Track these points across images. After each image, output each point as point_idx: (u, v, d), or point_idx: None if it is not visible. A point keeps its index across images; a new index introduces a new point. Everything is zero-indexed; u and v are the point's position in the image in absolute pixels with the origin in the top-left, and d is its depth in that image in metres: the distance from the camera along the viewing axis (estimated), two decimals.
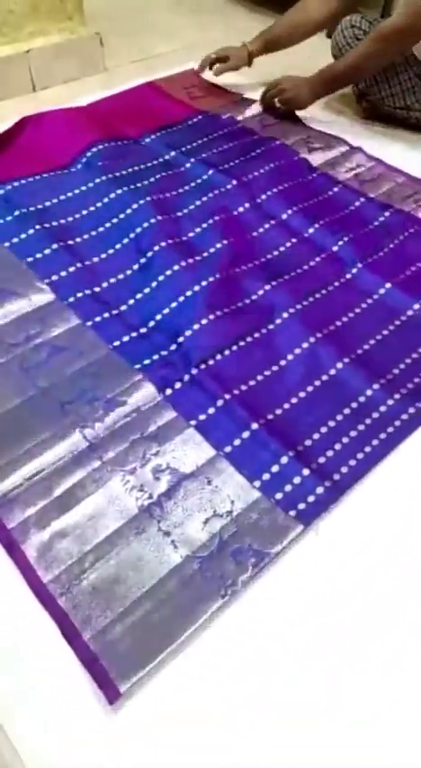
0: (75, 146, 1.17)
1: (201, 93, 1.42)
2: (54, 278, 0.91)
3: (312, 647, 0.57)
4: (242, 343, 0.83)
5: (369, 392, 0.77)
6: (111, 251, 0.97)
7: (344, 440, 0.73)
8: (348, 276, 0.95)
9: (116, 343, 0.82)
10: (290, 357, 0.82)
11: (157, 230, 0.98)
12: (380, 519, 0.67)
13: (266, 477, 0.68)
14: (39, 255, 0.94)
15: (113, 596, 0.59)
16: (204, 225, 1.01)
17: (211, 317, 0.85)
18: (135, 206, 1.02)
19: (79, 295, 0.89)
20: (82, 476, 0.68)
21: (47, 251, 0.95)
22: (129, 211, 1.02)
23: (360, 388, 0.78)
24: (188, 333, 0.83)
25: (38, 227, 0.98)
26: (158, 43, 1.81)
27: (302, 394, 0.78)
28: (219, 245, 0.97)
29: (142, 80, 1.43)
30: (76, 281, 0.91)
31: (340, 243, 1.00)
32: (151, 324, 0.86)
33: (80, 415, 0.73)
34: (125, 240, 0.98)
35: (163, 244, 0.96)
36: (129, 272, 0.94)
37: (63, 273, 0.92)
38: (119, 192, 1.06)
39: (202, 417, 0.74)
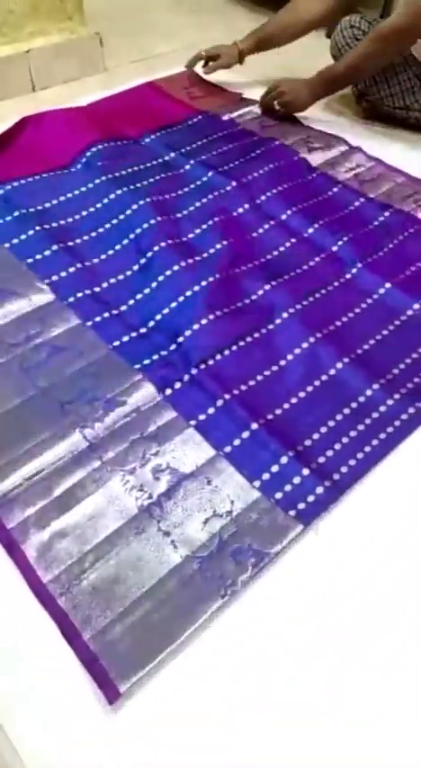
0: (74, 146, 1.17)
1: (201, 94, 1.42)
2: (54, 278, 0.91)
3: (312, 647, 0.57)
4: (242, 343, 0.83)
5: (369, 392, 0.77)
6: (111, 252, 0.97)
7: (344, 440, 0.73)
8: (348, 276, 0.95)
9: (116, 343, 0.82)
10: (289, 357, 0.82)
11: (157, 231, 0.98)
12: (380, 519, 0.67)
13: (266, 476, 0.68)
14: (39, 256, 0.94)
15: (113, 596, 0.59)
16: (204, 226, 1.01)
17: (211, 317, 0.85)
18: (135, 207, 1.02)
19: (79, 295, 0.89)
20: (82, 476, 0.68)
21: (47, 252, 0.95)
22: (128, 212, 1.02)
23: (360, 387, 0.78)
24: (188, 333, 0.83)
25: (38, 227, 0.98)
26: (158, 43, 1.81)
27: (302, 394, 0.78)
28: (218, 246, 0.97)
29: (142, 80, 1.44)
30: (76, 281, 0.91)
31: (340, 243, 1.00)
32: (151, 324, 0.86)
33: (80, 415, 0.73)
34: (125, 241, 0.99)
35: (163, 244, 0.96)
36: (129, 272, 0.94)
37: (63, 274, 0.92)
38: (118, 192, 1.06)
39: (202, 417, 0.74)
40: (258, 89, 1.40)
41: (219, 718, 0.53)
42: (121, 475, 0.68)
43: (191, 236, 1.00)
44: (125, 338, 0.83)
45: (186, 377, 0.78)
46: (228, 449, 0.71)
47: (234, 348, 0.83)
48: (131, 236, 0.99)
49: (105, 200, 1.05)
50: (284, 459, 0.70)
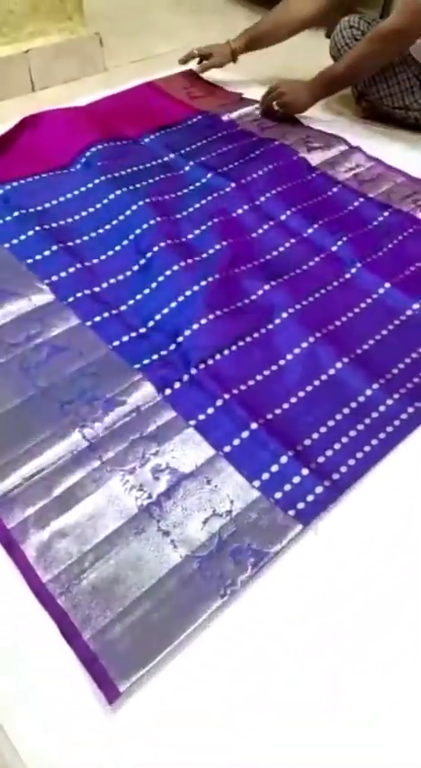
0: (74, 146, 1.17)
1: (201, 94, 1.42)
2: (54, 278, 0.91)
3: (312, 647, 0.57)
4: (241, 343, 0.83)
5: (368, 392, 0.77)
6: (110, 252, 0.97)
7: (344, 439, 0.73)
8: (347, 276, 0.95)
9: (116, 343, 0.82)
10: (289, 357, 0.82)
11: (157, 231, 0.98)
12: (380, 519, 0.67)
13: (266, 476, 0.68)
14: (38, 257, 0.94)
15: (113, 596, 0.59)
16: (203, 227, 1.02)
17: (211, 316, 0.85)
18: (134, 207, 1.03)
19: (79, 295, 0.89)
20: (81, 475, 0.68)
21: (47, 252, 0.95)
22: (128, 213, 1.02)
23: (359, 387, 0.78)
24: (187, 333, 0.83)
25: (37, 228, 0.98)
26: (158, 43, 1.81)
27: (302, 394, 0.78)
28: (218, 247, 0.97)
29: (142, 80, 1.44)
30: (75, 281, 0.91)
31: (339, 243, 1.00)
32: (151, 324, 0.86)
33: (80, 414, 0.73)
34: (125, 241, 0.99)
35: (162, 244, 0.96)
36: (128, 272, 0.94)
37: (63, 274, 0.92)
38: (118, 192, 1.06)
39: (202, 417, 0.74)
40: (258, 89, 1.40)
41: (219, 718, 0.53)
42: (121, 475, 0.68)
43: (190, 236, 1.00)
44: (125, 338, 0.83)
45: (186, 377, 0.78)
46: (227, 448, 0.71)
47: (233, 348, 0.83)
48: (131, 236, 0.99)
49: (105, 201, 1.05)
50: (284, 459, 0.70)
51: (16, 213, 1.01)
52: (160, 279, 0.91)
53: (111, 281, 0.92)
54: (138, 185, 1.08)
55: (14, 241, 0.97)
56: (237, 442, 0.72)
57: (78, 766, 0.51)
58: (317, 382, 0.79)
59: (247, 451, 0.71)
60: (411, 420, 0.75)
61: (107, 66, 1.70)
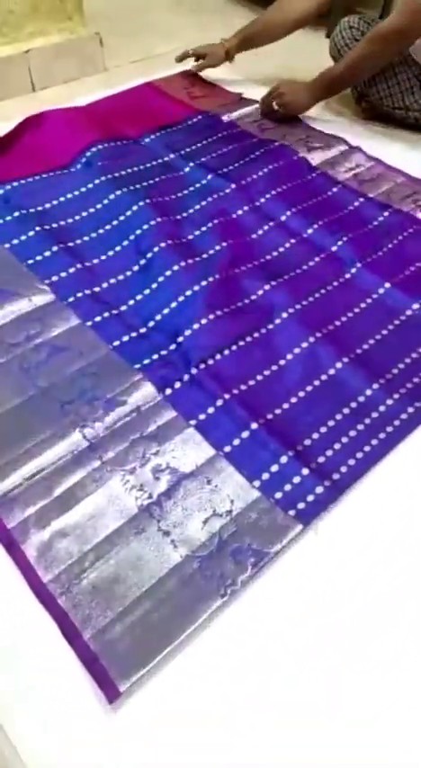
0: (74, 146, 1.17)
1: (201, 93, 1.42)
2: (54, 278, 0.91)
3: (312, 647, 0.57)
4: (241, 343, 0.83)
5: (368, 392, 0.78)
6: (111, 252, 0.97)
7: (344, 439, 0.73)
8: (347, 276, 0.95)
9: (116, 343, 0.82)
10: (289, 357, 0.82)
11: (157, 232, 0.98)
12: (380, 519, 0.67)
13: (266, 476, 0.68)
14: (39, 257, 0.94)
15: (113, 596, 0.59)
16: (203, 228, 1.02)
17: (211, 316, 0.86)
18: (135, 208, 1.03)
19: (79, 295, 0.89)
20: (82, 475, 0.68)
21: (47, 253, 0.95)
22: (128, 213, 1.02)
23: (359, 387, 0.78)
24: (188, 333, 0.83)
25: (38, 228, 0.98)
26: (158, 43, 1.81)
27: (302, 394, 0.78)
28: (218, 247, 0.98)
29: (142, 80, 1.44)
30: (76, 281, 0.91)
31: (339, 243, 1.00)
32: (151, 324, 0.86)
33: (80, 414, 0.73)
34: (125, 242, 0.99)
35: (162, 245, 0.96)
36: (129, 272, 0.94)
37: (63, 274, 0.92)
38: (118, 193, 1.06)
39: (202, 417, 0.74)
40: (258, 89, 1.40)
41: (219, 718, 0.53)
42: (121, 474, 0.68)
43: (190, 237, 1.00)
44: (125, 338, 0.83)
45: (186, 377, 0.78)
46: (227, 448, 0.71)
47: (234, 348, 0.83)
48: (131, 236, 0.99)
49: (105, 201, 1.05)
50: (284, 459, 0.70)
51: (17, 213, 1.01)
52: (160, 279, 0.92)
53: (112, 281, 0.92)
54: (138, 186, 1.08)
55: (15, 241, 0.97)
56: (237, 441, 0.72)
57: (78, 766, 0.51)
58: (317, 382, 0.79)
59: (248, 451, 0.71)
60: (411, 420, 0.75)
61: (107, 66, 1.70)
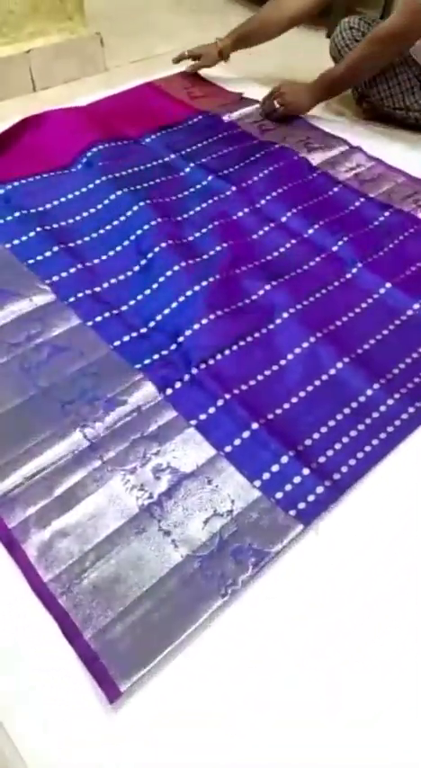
0: (75, 146, 1.17)
1: (201, 93, 1.42)
2: (55, 278, 0.91)
3: (312, 647, 0.57)
4: (242, 343, 0.83)
5: (369, 392, 0.78)
6: (111, 252, 0.97)
7: (344, 439, 0.73)
8: (348, 276, 0.95)
9: (116, 343, 0.82)
10: (290, 357, 0.82)
11: (157, 232, 0.98)
12: (380, 519, 0.67)
13: (266, 476, 0.68)
14: (40, 258, 0.94)
15: (114, 595, 0.59)
16: (204, 230, 1.02)
17: (212, 316, 0.86)
18: (135, 208, 1.03)
19: (80, 295, 0.89)
20: (82, 475, 0.68)
21: (48, 253, 0.95)
22: (129, 213, 1.02)
23: (360, 387, 0.78)
24: (188, 332, 0.83)
25: (39, 229, 0.98)
26: (158, 43, 1.81)
27: (302, 394, 0.78)
28: (218, 248, 0.98)
29: (142, 80, 1.44)
30: (76, 281, 0.91)
31: (340, 243, 1.00)
32: (151, 324, 0.86)
33: (81, 414, 0.73)
34: (125, 242, 0.99)
35: (163, 245, 0.96)
36: (129, 272, 0.94)
37: (64, 274, 0.92)
38: (119, 193, 1.06)
39: (203, 417, 0.74)
40: (258, 89, 1.40)
41: (219, 718, 0.53)
42: (122, 474, 0.68)
43: (191, 238, 1.00)
44: (126, 338, 0.83)
45: (187, 376, 0.78)
46: (228, 448, 0.71)
47: (234, 348, 0.83)
48: (132, 237, 0.99)
49: (106, 201, 1.05)
50: (285, 459, 0.70)
51: (17, 214, 1.01)
52: (161, 279, 0.92)
53: (112, 281, 0.93)
54: (138, 186, 1.08)
55: (16, 242, 0.97)
56: (237, 441, 0.72)
57: (78, 766, 0.51)
58: (317, 382, 0.79)
59: (248, 451, 0.71)
60: (412, 420, 0.75)
61: (108, 66, 1.70)
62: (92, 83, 1.63)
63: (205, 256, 0.96)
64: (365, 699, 0.54)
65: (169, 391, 0.77)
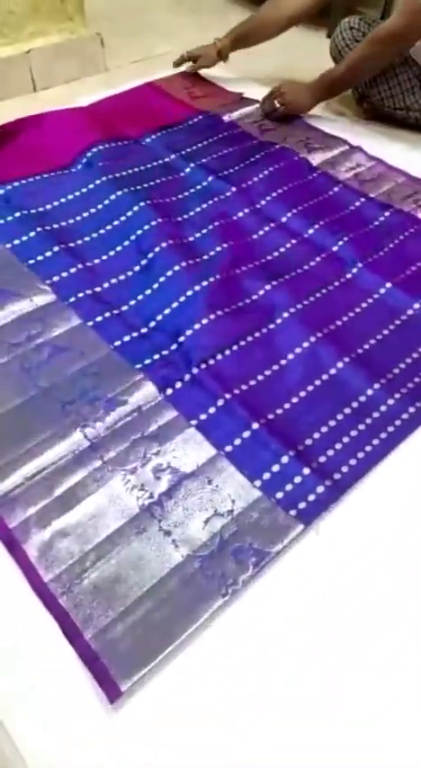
0: (75, 146, 1.17)
1: (202, 93, 1.42)
2: (55, 279, 0.91)
3: (312, 647, 0.57)
4: (242, 343, 0.84)
5: (369, 392, 0.78)
6: (112, 253, 0.97)
7: (345, 439, 0.73)
8: (348, 276, 0.95)
9: (117, 343, 0.82)
10: (290, 357, 0.82)
11: (158, 232, 0.98)
12: (381, 519, 0.67)
13: (267, 476, 0.68)
14: (40, 258, 0.94)
15: (114, 595, 0.59)
16: (204, 230, 1.02)
17: (212, 316, 0.86)
18: (136, 208, 1.03)
19: (80, 295, 0.89)
20: (83, 475, 0.68)
21: (48, 253, 0.95)
22: (129, 214, 1.02)
23: (360, 387, 0.78)
24: (189, 332, 0.83)
25: (39, 229, 0.98)
26: (159, 43, 1.81)
27: (303, 393, 0.78)
28: (219, 248, 0.98)
29: (143, 80, 1.44)
30: (77, 281, 0.91)
31: (340, 243, 1.00)
32: (152, 324, 0.86)
33: (81, 414, 0.73)
34: (126, 242, 0.99)
35: (163, 245, 0.96)
36: (130, 272, 0.94)
37: (64, 274, 0.92)
38: (119, 193, 1.06)
39: (203, 417, 0.74)
40: (258, 89, 1.40)
41: (220, 718, 0.53)
42: (122, 474, 0.68)
43: (191, 239, 1.00)
44: (126, 338, 0.83)
45: (187, 376, 0.78)
46: (228, 448, 0.71)
47: (235, 348, 0.83)
48: (132, 237, 0.99)
49: (106, 202, 1.05)
50: (285, 459, 0.70)
51: (17, 214, 1.01)
52: (161, 279, 0.92)
53: (113, 281, 0.93)
54: (139, 187, 1.09)
55: (16, 242, 0.97)
56: (238, 441, 0.72)
57: (78, 766, 0.51)
58: (318, 382, 0.79)
59: (249, 451, 0.71)
60: (412, 420, 0.75)
61: (108, 66, 1.70)
62: (92, 83, 1.63)
63: (205, 256, 0.96)
64: (365, 699, 0.54)
65: (169, 391, 0.77)
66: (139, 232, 0.99)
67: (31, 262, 0.93)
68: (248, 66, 1.48)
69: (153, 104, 1.36)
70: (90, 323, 0.85)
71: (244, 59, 1.46)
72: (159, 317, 0.87)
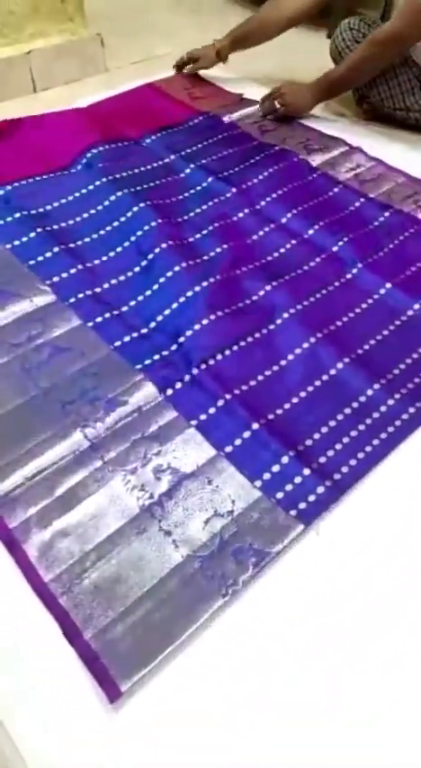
0: (75, 147, 1.17)
1: (202, 94, 1.42)
2: (55, 279, 0.91)
3: (312, 647, 0.57)
4: (242, 344, 0.84)
5: (369, 392, 0.78)
6: (112, 253, 0.98)
7: (345, 440, 0.73)
8: (348, 276, 0.95)
9: (117, 344, 0.82)
10: (290, 357, 0.82)
11: (158, 233, 0.98)
12: (380, 519, 0.67)
13: (267, 476, 0.69)
14: (40, 258, 0.94)
15: (114, 595, 0.59)
16: (204, 231, 1.02)
17: (212, 317, 0.86)
18: (136, 209, 1.03)
19: (80, 296, 0.89)
20: (83, 475, 0.68)
21: (48, 254, 0.95)
22: (129, 214, 1.03)
23: (360, 387, 0.78)
24: (189, 333, 0.84)
25: (39, 230, 0.99)
26: (159, 44, 1.81)
27: (303, 394, 0.78)
28: (219, 249, 0.98)
29: (143, 81, 1.44)
30: (77, 282, 0.91)
31: (340, 243, 1.00)
32: (152, 324, 0.86)
33: (81, 414, 0.73)
34: (126, 243, 0.99)
35: (163, 246, 0.96)
36: (130, 273, 0.94)
37: (64, 275, 0.92)
38: (119, 194, 1.06)
39: (203, 417, 0.74)
40: (258, 89, 1.40)
41: (219, 718, 0.53)
42: (123, 474, 0.68)
43: (191, 240, 1.00)
44: (126, 338, 0.83)
45: (187, 377, 0.78)
46: (228, 449, 0.71)
47: (235, 348, 0.83)
48: (132, 238, 0.99)
49: (106, 203, 1.05)
50: (285, 459, 0.70)
51: (17, 214, 1.01)
52: (161, 280, 0.92)
53: (113, 281, 0.93)
54: (139, 188, 1.09)
55: (16, 242, 0.97)
56: (238, 442, 0.72)
57: (78, 766, 0.51)
58: (318, 382, 0.79)
59: (249, 451, 0.71)
60: (412, 420, 0.75)
61: (108, 66, 1.70)
62: (92, 83, 1.63)
63: (205, 257, 0.96)
64: (365, 699, 0.54)
65: (170, 391, 0.77)
66: (139, 233, 0.99)
67: (32, 262, 0.94)
68: (248, 67, 1.48)
69: (153, 105, 1.36)
70: (90, 323, 0.85)
71: (244, 60, 1.46)
72: (159, 318, 0.87)
